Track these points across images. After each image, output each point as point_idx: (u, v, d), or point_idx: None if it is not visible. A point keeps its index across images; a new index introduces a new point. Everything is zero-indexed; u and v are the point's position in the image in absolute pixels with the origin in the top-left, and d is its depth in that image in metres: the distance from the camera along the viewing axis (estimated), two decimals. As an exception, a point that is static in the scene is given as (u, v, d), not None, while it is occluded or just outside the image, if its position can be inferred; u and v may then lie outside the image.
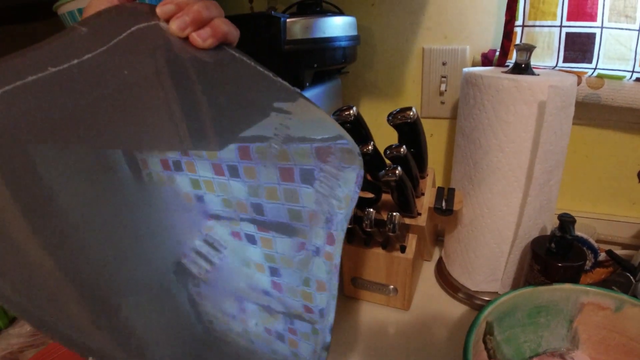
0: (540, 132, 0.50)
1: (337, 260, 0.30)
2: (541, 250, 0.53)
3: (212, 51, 0.35)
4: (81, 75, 0.26)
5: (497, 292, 0.61)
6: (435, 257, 0.73)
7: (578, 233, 0.63)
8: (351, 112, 0.48)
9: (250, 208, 0.29)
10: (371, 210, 0.49)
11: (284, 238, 0.29)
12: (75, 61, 0.27)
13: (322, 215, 0.31)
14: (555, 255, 0.52)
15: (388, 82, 0.76)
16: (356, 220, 0.50)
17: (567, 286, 0.49)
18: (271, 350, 0.25)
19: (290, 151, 0.32)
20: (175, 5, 0.33)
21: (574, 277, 0.53)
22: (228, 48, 0.36)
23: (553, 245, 0.52)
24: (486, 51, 0.67)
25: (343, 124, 0.50)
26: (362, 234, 0.54)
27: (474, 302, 0.62)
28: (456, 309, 0.62)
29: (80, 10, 0.60)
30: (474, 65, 0.70)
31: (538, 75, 0.54)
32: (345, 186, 0.33)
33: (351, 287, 0.63)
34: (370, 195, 0.55)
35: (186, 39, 0.34)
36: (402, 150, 0.45)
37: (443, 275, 0.67)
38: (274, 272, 0.28)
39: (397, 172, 0.45)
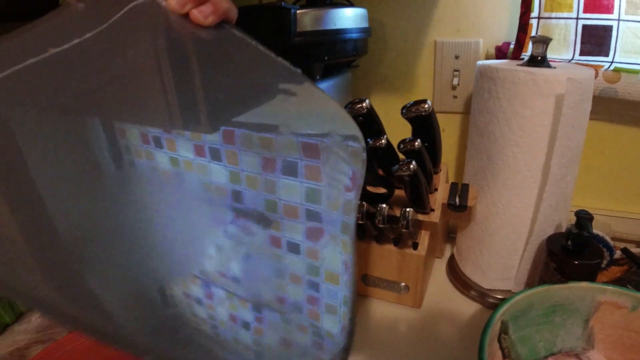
0: (557, 126, 0.49)
1: (338, 258, 0.28)
2: (557, 248, 0.52)
3: (212, 29, 0.33)
4: (83, 56, 0.26)
5: (510, 291, 0.60)
6: (447, 254, 0.72)
7: (594, 230, 0.62)
8: (364, 104, 0.47)
9: (230, 194, 0.28)
10: (384, 206, 0.47)
11: (258, 227, 0.28)
12: (76, 41, 0.26)
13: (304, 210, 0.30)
14: (572, 252, 0.51)
15: (399, 76, 0.75)
16: (368, 216, 0.49)
17: (584, 284, 0.48)
18: (234, 338, 0.25)
19: (296, 143, 0.31)
20: None
21: (590, 275, 0.51)
22: (228, 26, 0.35)
23: (569, 242, 0.51)
24: (500, 44, 0.66)
25: (355, 117, 0.49)
26: (374, 230, 0.53)
27: (487, 300, 0.60)
28: (468, 307, 0.61)
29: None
30: (487, 58, 0.69)
31: (555, 68, 0.53)
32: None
33: (361, 284, 0.62)
34: (382, 190, 0.53)
35: (185, 16, 0.32)
36: (416, 144, 0.44)
37: (455, 273, 0.66)
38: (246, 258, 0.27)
39: (411, 166, 0.44)
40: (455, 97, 0.71)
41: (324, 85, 0.62)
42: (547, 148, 0.51)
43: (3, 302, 0.55)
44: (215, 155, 0.28)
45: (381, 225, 0.48)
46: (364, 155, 0.30)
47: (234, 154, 0.29)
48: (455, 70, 0.70)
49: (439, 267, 0.70)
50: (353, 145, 0.30)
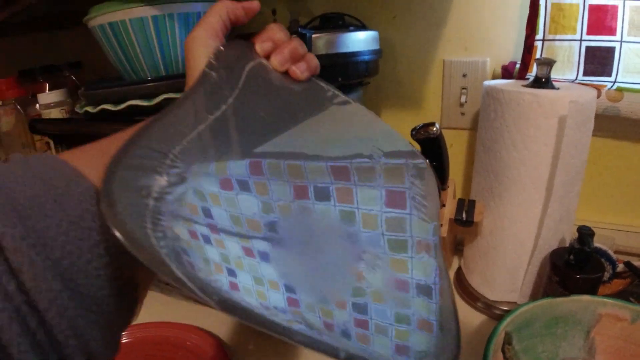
0: (560, 146, 0.51)
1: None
2: (560, 262, 0.54)
3: (303, 82, 0.39)
4: (233, 117, 0.31)
5: (515, 302, 0.62)
6: (455, 266, 0.75)
7: (597, 244, 0.64)
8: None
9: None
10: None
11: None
12: (224, 107, 0.31)
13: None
14: (574, 266, 0.53)
15: (409, 93, 0.78)
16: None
17: (585, 297, 0.50)
18: None
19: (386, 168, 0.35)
20: (273, 43, 0.38)
21: (592, 288, 0.53)
22: (315, 79, 0.41)
23: (572, 257, 0.53)
24: (506, 63, 0.68)
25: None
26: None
27: (493, 311, 0.63)
28: (475, 318, 0.63)
29: (111, 25, 0.63)
30: (494, 77, 0.71)
31: (558, 89, 0.55)
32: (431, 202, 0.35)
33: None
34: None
35: (285, 72, 0.38)
36: (425, 163, 0.47)
37: (462, 285, 0.68)
38: None
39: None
40: (463, 114, 0.74)
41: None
42: (551, 166, 0.54)
43: None
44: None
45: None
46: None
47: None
48: (463, 88, 0.73)
49: (447, 278, 0.72)
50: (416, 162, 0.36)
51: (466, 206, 0.57)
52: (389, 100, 0.80)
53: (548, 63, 0.56)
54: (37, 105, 0.88)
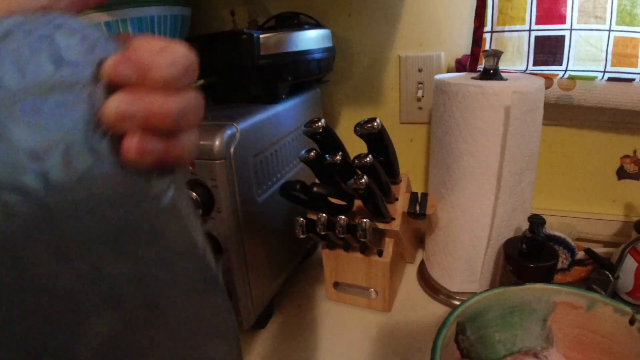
0: (506, 136, 0.52)
1: None
2: (513, 251, 0.54)
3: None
4: None
5: (475, 293, 0.63)
6: (419, 259, 0.75)
7: (554, 232, 0.64)
8: (320, 123, 0.50)
9: None
10: (342, 217, 0.50)
11: None
12: None
13: None
14: (527, 255, 0.53)
15: (367, 90, 0.78)
16: (329, 226, 0.52)
17: (539, 286, 0.50)
18: None
19: None
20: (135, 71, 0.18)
21: (546, 276, 0.54)
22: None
23: (524, 246, 0.54)
24: (460, 57, 0.69)
25: (314, 135, 0.52)
26: (338, 240, 0.56)
27: (454, 303, 0.63)
28: (437, 310, 0.63)
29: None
30: (448, 71, 0.71)
31: (506, 80, 0.56)
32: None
33: (333, 291, 0.65)
34: (343, 202, 0.56)
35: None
36: (368, 159, 0.47)
37: (424, 277, 0.68)
38: None
39: (362, 181, 0.46)
40: (420, 108, 0.74)
41: (293, 102, 0.65)
42: (500, 156, 0.54)
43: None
44: None
45: (342, 236, 0.51)
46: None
47: None
48: (419, 83, 0.73)
49: (411, 272, 0.72)
50: None
51: (419, 199, 0.57)
52: (347, 97, 0.80)
53: (495, 54, 0.56)
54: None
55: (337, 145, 0.53)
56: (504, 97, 0.51)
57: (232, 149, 0.49)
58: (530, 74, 0.63)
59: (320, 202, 0.54)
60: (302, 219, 0.54)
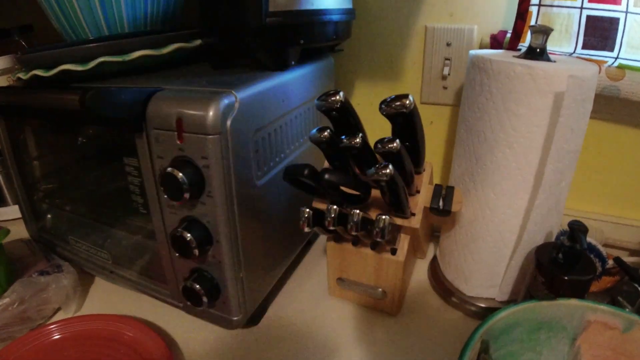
0: (554, 128, 0.44)
1: None
2: (546, 260, 0.48)
3: None
4: None
5: (494, 299, 0.56)
6: (430, 254, 0.68)
7: (587, 239, 0.58)
8: (338, 97, 0.42)
9: None
10: (357, 212, 0.43)
11: None
12: None
13: None
14: (562, 266, 0.47)
15: (385, 63, 0.69)
16: (341, 220, 0.44)
17: (573, 302, 0.44)
18: None
19: None
20: None
21: (580, 291, 0.48)
22: None
23: (560, 255, 0.47)
24: (496, 32, 0.60)
25: (328, 110, 0.43)
26: (347, 235, 0.49)
27: (468, 308, 0.57)
28: (449, 314, 0.57)
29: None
30: (481, 47, 0.63)
31: (555, 62, 0.48)
32: None
33: (337, 287, 0.58)
34: (356, 192, 0.49)
35: None
36: (394, 145, 0.39)
37: (437, 277, 0.62)
38: None
39: (387, 170, 0.39)
40: (445, 87, 0.66)
41: (302, 71, 0.57)
42: (542, 151, 0.47)
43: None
44: None
45: (354, 233, 0.43)
46: None
47: None
48: (446, 59, 0.64)
49: (421, 268, 0.66)
50: None
51: (443, 193, 0.50)
52: (362, 69, 0.71)
53: (544, 31, 0.48)
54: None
55: (355, 124, 0.45)
56: (556, 81, 0.44)
57: (229, 122, 0.41)
58: (577, 58, 0.55)
59: (331, 191, 0.46)
60: (308, 209, 0.46)
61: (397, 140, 0.39)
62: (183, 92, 0.43)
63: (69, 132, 0.57)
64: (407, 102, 0.39)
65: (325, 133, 0.43)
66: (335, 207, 0.44)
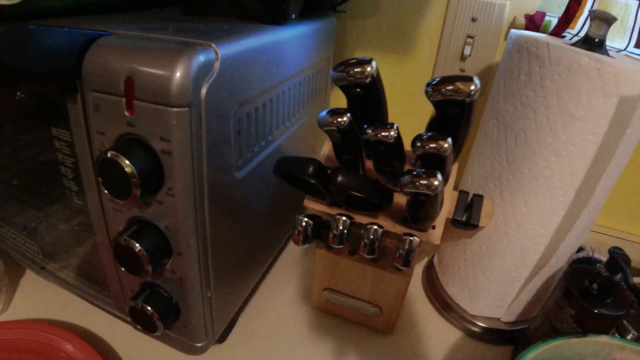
0: (615, 139, 0.36)
1: None
2: (577, 290, 0.41)
3: None
4: None
5: (498, 319, 0.50)
6: (423, 260, 0.60)
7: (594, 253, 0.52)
8: (369, 68, 0.30)
9: None
10: (376, 227, 0.33)
11: None
12: None
13: None
14: (594, 297, 0.40)
15: (395, 33, 0.58)
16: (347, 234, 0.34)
17: (603, 339, 0.39)
18: None
19: None
20: None
21: (609, 326, 0.41)
22: None
23: (595, 285, 0.40)
24: (532, 13, 0.51)
25: (351, 86, 0.32)
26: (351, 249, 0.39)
27: (469, 327, 0.50)
28: (446, 330, 0.50)
29: None
30: (513, 28, 0.54)
31: (613, 58, 0.39)
32: None
33: (321, 299, 0.48)
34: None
35: None
36: (446, 145, 0.29)
37: (433, 287, 0.54)
38: None
39: (436, 183, 0.29)
40: (463, 70, 0.57)
41: (301, 28, 0.45)
42: (592, 162, 0.39)
43: None
44: None
45: (369, 256, 0.33)
46: None
47: None
48: (469, 37, 0.54)
49: (413, 275, 0.58)
50: None
51: (471, 203, 0.41)
52: (366, 37, 0.60)
53: (607, 20, 0.39)
54: None
55: (381, 110, 0.34)
56: (627, 82, 0.35)
57: (204, 90, 0.28)
58: (626, 56, 0.47)
59: (337, 194, 0.35)
60: (306, 219, 0.35)
61: (449, 141, 0.29)
62: (139, 39, 0.29)
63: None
64: (472, 87, 0.29)
65: (345, 118, 0.32)
66: (344, 218, 0.34)
